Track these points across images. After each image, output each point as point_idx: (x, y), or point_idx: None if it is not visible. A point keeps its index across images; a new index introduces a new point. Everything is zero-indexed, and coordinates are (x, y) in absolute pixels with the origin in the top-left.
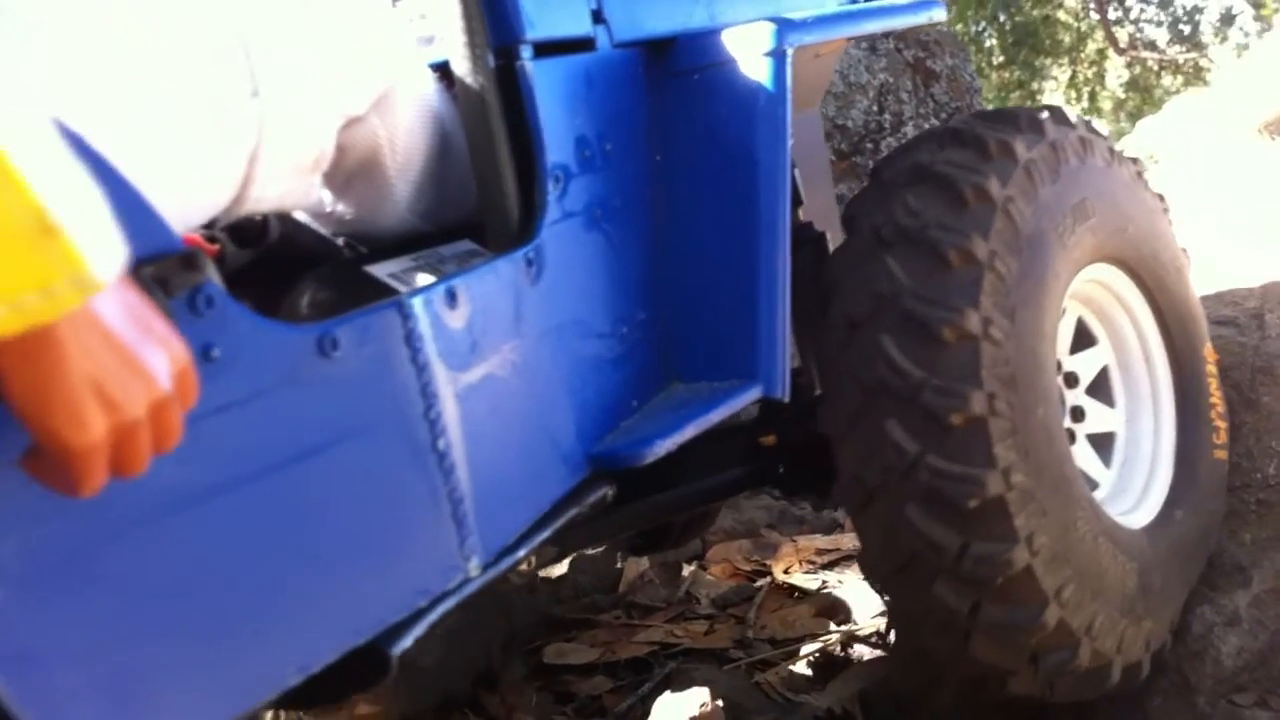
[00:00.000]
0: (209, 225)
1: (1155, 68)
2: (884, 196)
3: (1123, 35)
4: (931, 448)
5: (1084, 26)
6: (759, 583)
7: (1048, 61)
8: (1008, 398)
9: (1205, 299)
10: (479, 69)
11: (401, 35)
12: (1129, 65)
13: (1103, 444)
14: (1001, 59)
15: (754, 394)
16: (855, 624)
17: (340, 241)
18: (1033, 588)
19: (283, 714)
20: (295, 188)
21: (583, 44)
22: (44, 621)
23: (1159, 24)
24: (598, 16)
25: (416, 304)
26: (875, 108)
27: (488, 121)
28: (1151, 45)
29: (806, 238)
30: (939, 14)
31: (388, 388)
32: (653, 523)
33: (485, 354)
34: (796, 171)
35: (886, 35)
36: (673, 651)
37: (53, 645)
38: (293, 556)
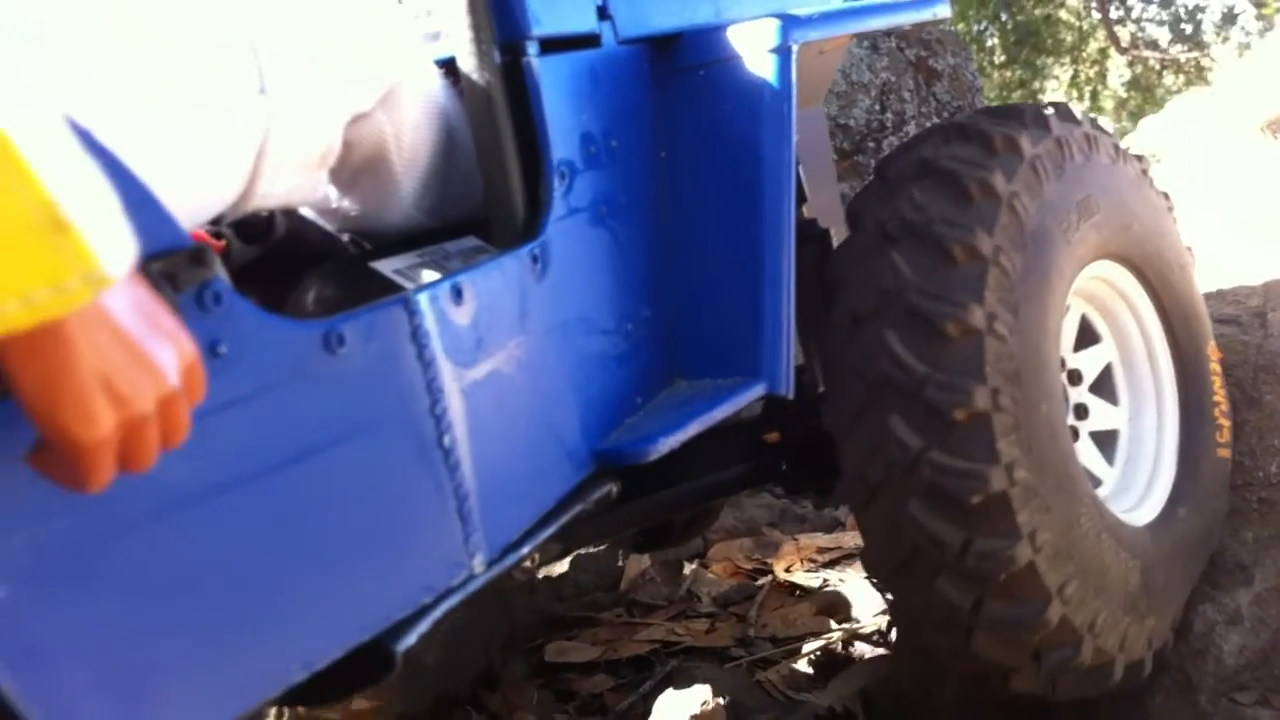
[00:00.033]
0: (215, 221)
1: (1157, 67)
2: (889, 192)
3: (1124, 34)
4: (935, 443)
5: (1086, 26)
6: (760, 581)
7: (1049, 61)
8: (1011, 393)
9: (1208, 297)
10: (485, 65)
11: (407, 32)
12: (1131, 64)
13: (1106, 441)
14: (1003, 58)
15: (758, 391)
16: (856, 622)
17: (345, 238)
18: (1035, 584)
19: (286, 711)
20: (302, 184)
21: (588, 40)
22: (51, 617)
23: (1161, 23)
24: (603, 13)
25: (422, 300)
26: (877, 106)
27: (493, 118)
28: (1153, 44)
29: (810, 235)
30: (944, 10)
31: (393, 384)
32: (656, 520)
33: (490, 350)
34: (800, 168)
35: (889, 34)
36: (674, 650)
37: (59, 641)
38: (298, 553)
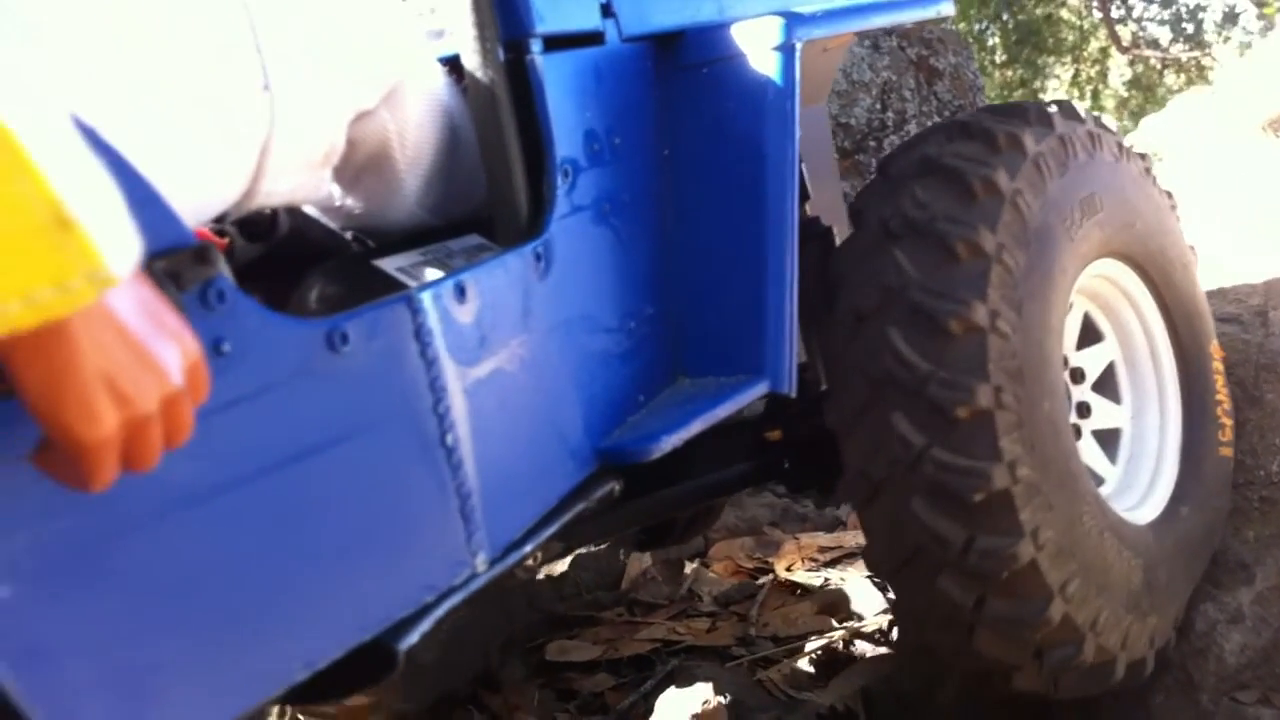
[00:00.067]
0: (219, 219)
1: (1158, 66)
2: (892, 190)
3: (1125, 34)
4: (937, 441)
5: (1087, 25)
6: (761, 580)
7: (1050, 60)
8: (1014, 391)
9: (1209, 296)
10: (489, 63)
11: (411, 29)
12: (1132, 64)
13: (1108, 440)
14: (1004, 57)
15: (760, 389)
16: (858, 621)
17: (349, 235)
18: (1038, 582)
19: (289, 710)
20: (305, 182)
21: (592, 38)
22: (53, 617)
23: (1162, 23)
24: (607, 10)
25: (425, 298)
26: (878, 105)
27: (497, 115)
28: (1154, 44)
29: (813, 232)
30: (947, 8)
31: (396, 382)
32: (659, 518)
33: (493, 348)
34: (803, 166)
35: (890, 33)
36: (675, 649)
37: (62, 640)
38: (300, 551)
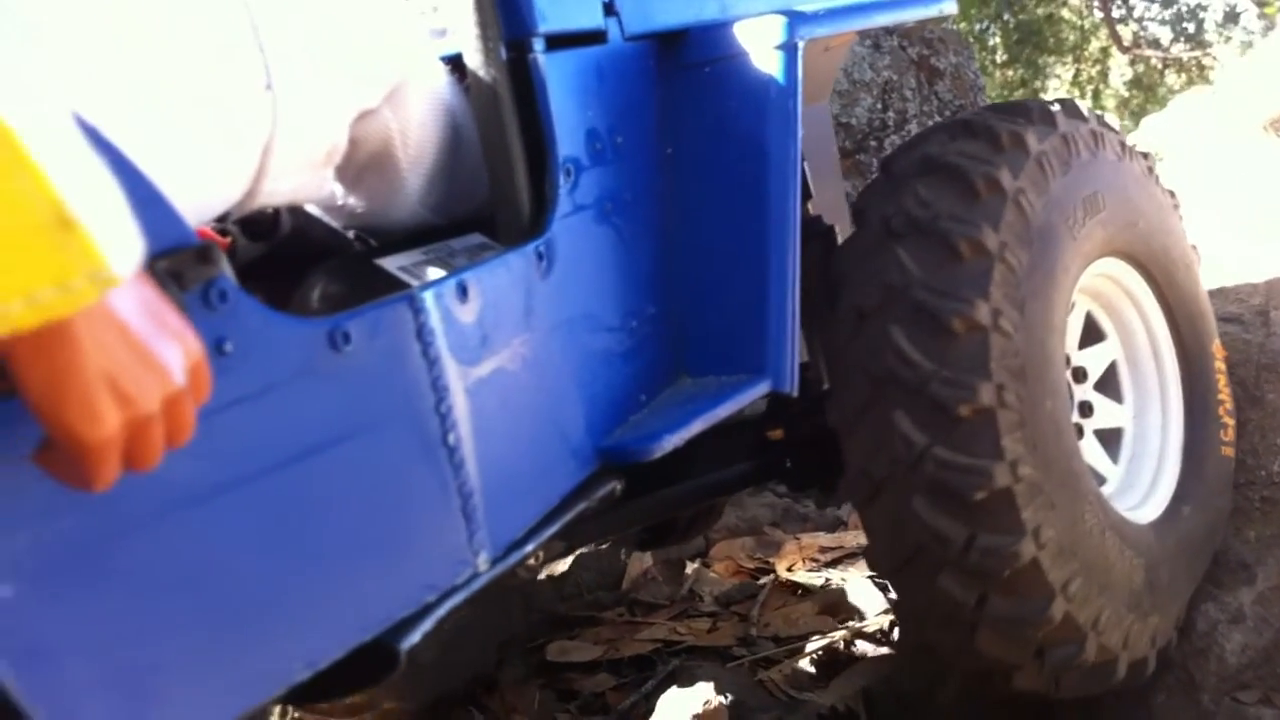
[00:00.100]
0: (221, 218)
1: (1159, 66)
2: (894, 188)
3: (1126, 33)
4: (939, 439)
5: (1087, 25)
6: (762, 580)
7: (1051, 60)
8: (1016, 390)
9: (1210, 296)
10: (491, 62)
11: (414, 28)
12: (1133, 63)
13: (1110, 439)
14: (1005, 57)
15: (762, 388)
16: (859, 622)
17: (351, 234)
18: (1039, 581)
19: (290, 709)
20: (308, 181)
21: (594, 37)
22: (55, 616)
23: (1163, 22)
24: (609, 9)
25: (428, 298)
26: (879, 105)
27: (499, 114)
28: (1155, 43)
29: (815, 231)
30: (950, 6)
31: (398, 381)
32: (660, 517)
33: (495, 348)
34: (805, 165)
35: (891, 32)
36: (676, 649)
37: (64, 640)
38: (301, 551)
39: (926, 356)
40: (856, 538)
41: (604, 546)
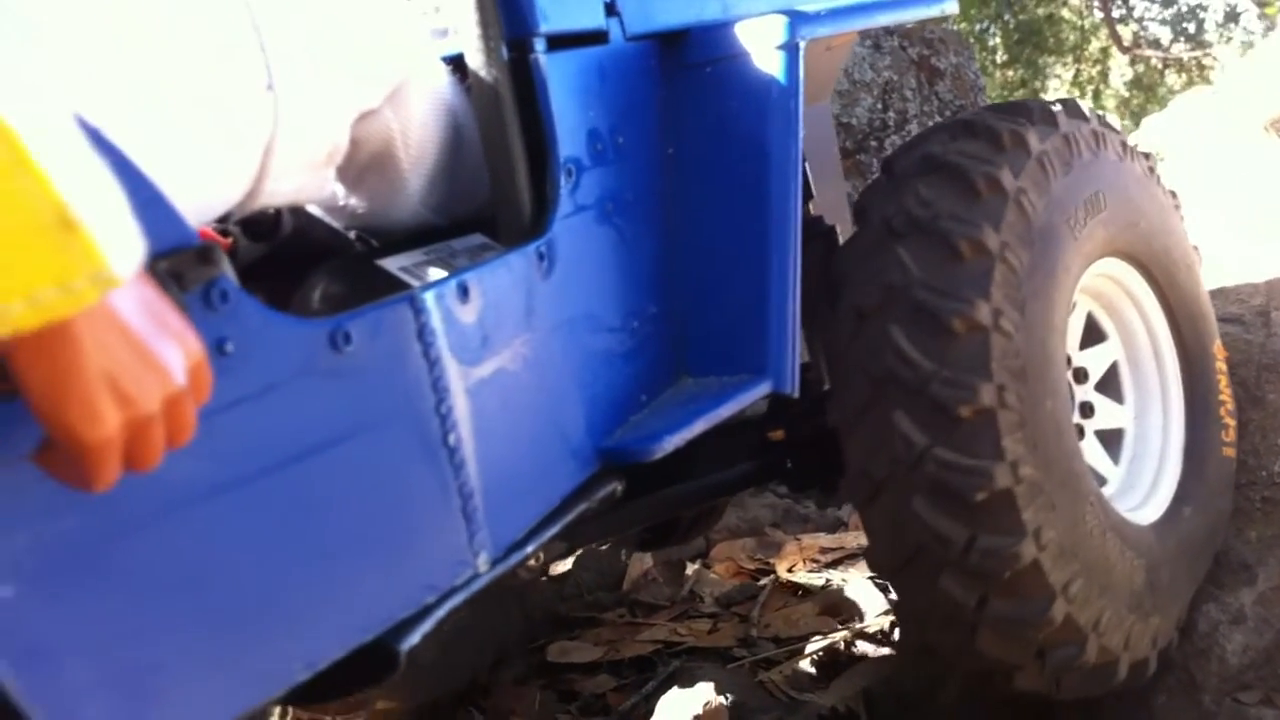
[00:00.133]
0: (222, 219)
1: (1159, 66)
2: (895, 188)
3: (1126, 33)
4: (940, 440)
5: (1088, 25)
6: (763, 581)
7: (1051, 60)
8: (1017, 390)
9: (1211, 296)
10: (492, 62)
11: (415, 28)
12: (1133, 64)
13: (1111, 440)
14: (1005, 57)
15: (763, 389)
16: (859, 622)
17: (352, 235)
18: (1040, 582)
19: (290, 710)
20: (309, 182)
21: (596, 37)
22: (55, 617)
23: (1163, 22)
24: (611, 9)
25: (428, 298)
26: (880, 105)
27: (501, 114)
28: (1155, 43)
29: (817, 231)
30: (951, 6)
31: (399, 382)
32: (661, 518)
33: (496, 348)
34: (807, 165)
35: (891, 32)
36: (676, 650)
37: (63, 640)
38: (302, 551)
39: (927, 357)
40: (857, 538)
41: (605, 547)
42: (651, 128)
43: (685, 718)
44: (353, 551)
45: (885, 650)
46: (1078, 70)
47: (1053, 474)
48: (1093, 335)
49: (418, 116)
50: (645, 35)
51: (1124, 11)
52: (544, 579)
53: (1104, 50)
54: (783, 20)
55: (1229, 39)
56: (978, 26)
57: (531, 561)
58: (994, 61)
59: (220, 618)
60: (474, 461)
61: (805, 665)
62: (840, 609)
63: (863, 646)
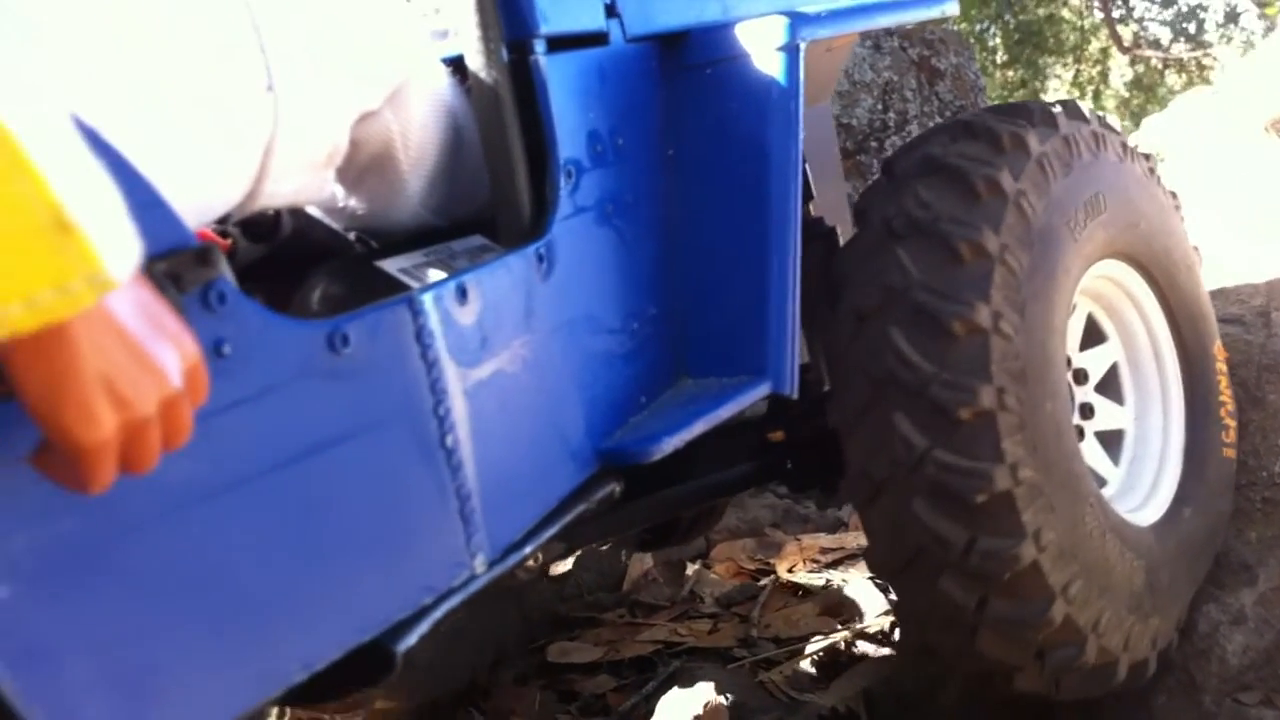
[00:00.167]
0: (222, 220)
1: (1159, 66)
2: (895, 189)
3: (1126, 34)
4: (939, 442)
5: (1088, 25)
6: (763, 581)
7: (1051, 60)
8: (1017, 392)
9: (1211, 297)
10: (492, 63)
11: (415, 30)
12: (1133, 64)
13: (1111, 441)
14: (1005, 58)
15: (762, 390)
16: (860, 623)
17: (352, 236)
18: (1039, 583)
19: (288, 711)
20: (309, 183)
21: (596, 38)
22: (52, 618)
23: (1163, 22)
24: (611, 11)
25: (427, 300)
26: (880, 106)
27: (500, 116)
28: (1155, 44)
29: (817, 232)
30: (952, 8)
31: (397, 384)
32: (661, 519)
33: (495, 350)
34: (807, 166)
35: (891, 33)
36: (676, 650)
37: (61, 641)
38: (299, 553)
39: (927, 359)
40: (857, 539)
41: (605, 548)
42: (651, 129)
43: (685, 718)
44: (350, 553)
45: (885, 651)
46: (1078, 71)
47: (1052, 475)
48: (1093, 336)
49: (418, 118)
50: (645, 37)
51: (1124, 12)
52: (544, 579)
53: (1104, 50)
54: (783, 22)
55: (1229, 39)
56: (978, 27)
57: (530, 562)
58: (994, 62)
59: (218, 619)
60: (471, 463)
61: (805, 665)
62: (840, 609)
63: (863, 647)
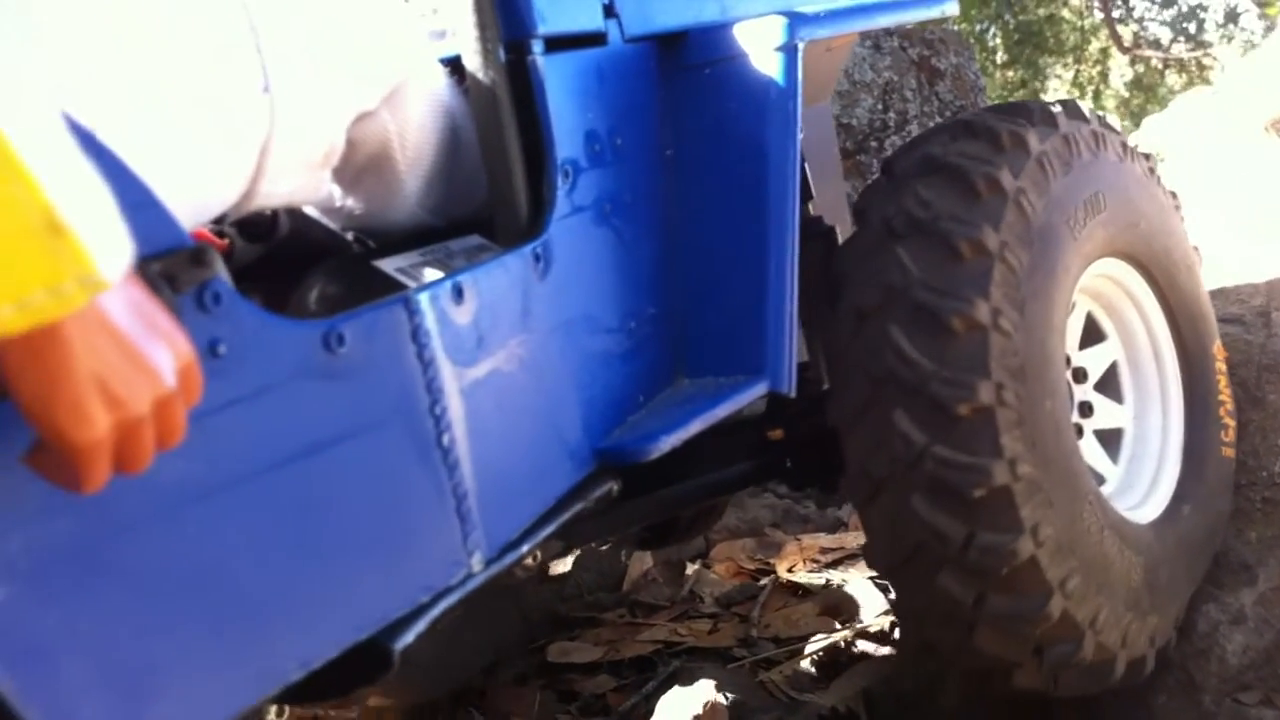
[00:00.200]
0: (218, 220)
1: (1159, 66)
2: (895, 188)
3: (1126, 34)
4: (939, 438)
5: (1087, 25)
6: (763, 581)
7: (1051, 60)
8: (1016, 389)
9: (1211, 297)
10: (490, 64)
11: (413, 30)
12: (1133, 64)
13: (1110, 440)
14: (1005, 58)
15: (760, 389)
16: (859, 623)
17: (350, 236)
18: (1037, 578)
19: (286, 709)
20: (305, 183)
21: (594, 39)
22: (49, 618)
23: (1163, 23)
24: (609, 11)
25: (423, 299)
26: (880, 106)
27: (498, 116)
28: (1155, 44)
29: (816, 232)
30: (951, 7)
31: (393, 383)
32: (660, 517)
33: (492, 349)
34: (806, 165)
35: (891, 33)
36: (676, 650)
37: (58, 641)
38: (296, 552)
39: (926, 356)
40: (857, 539)
41: (604, 548)
42: (650, 129)
43: (685, 718)
44: (347, 551)
45: (885, 650)
46: (1078, 71)
47: (1051, 472)
48: (1092, 335)
49: (415, 118)
50: (644, 37)
51: (1124, 12)
52: (544, 579)
53: (1104, 51)
54: (781, 22)
55: (1229, 39)
56: (978, 27)
57: (529, 561)
58: (994, 62)
59: (215, 618)
60: (468, 462)
61: (805, 665)
62: (840, 609)
63: (863, 646)
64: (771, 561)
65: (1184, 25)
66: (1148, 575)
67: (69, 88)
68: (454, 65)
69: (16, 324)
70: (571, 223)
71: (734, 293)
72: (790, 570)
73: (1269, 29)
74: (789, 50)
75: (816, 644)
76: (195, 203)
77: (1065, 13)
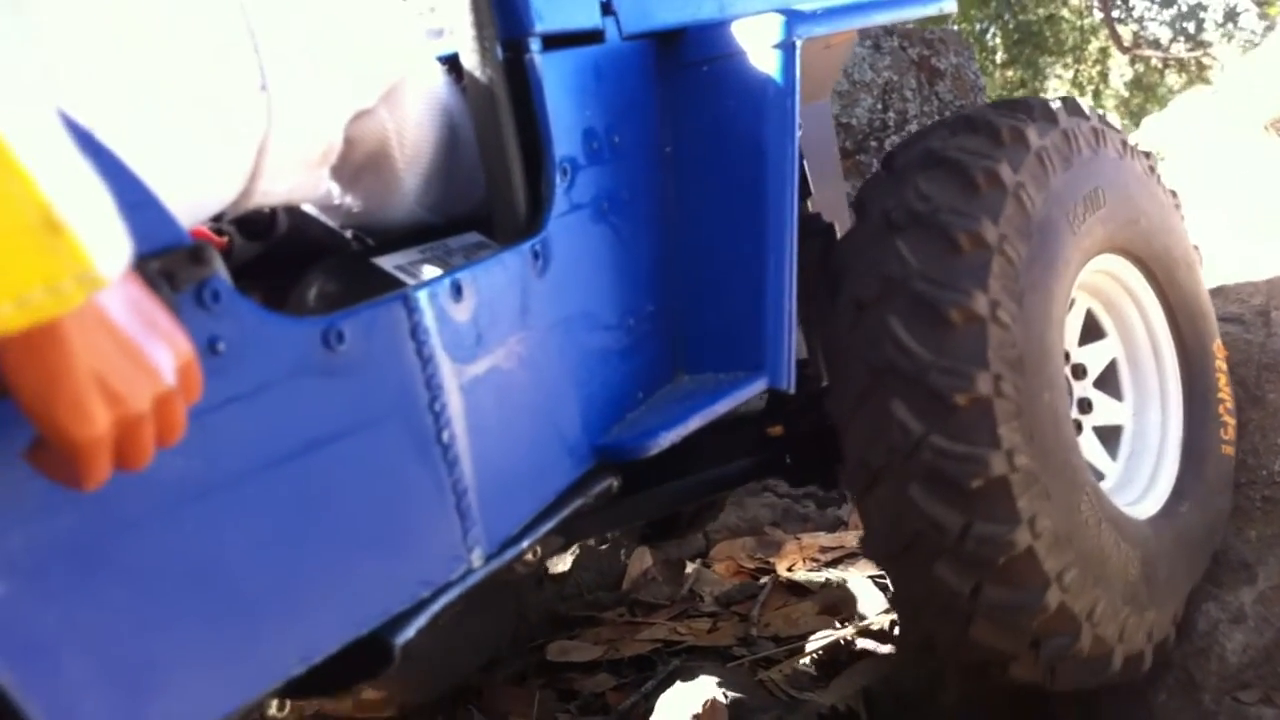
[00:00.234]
0: (217, 218)
1: (1159, 66)
2: (895, 182)
3: (1126, 34)
4: (936, 428)
5: (1087, 25)
6: (763, 580)
7: (1051, 60)
8: (1014, 380)
9: (1211, 295)
10: (488, 62)
11: (410, 28)
12: (1133, 64)
13: (1109, 437)
14: (1005, 58)
15: (759, 386)
16: (859, 621)
17: (349, 234)
18: (1034, 570)
19: (288, 704)
20: (304, 181)
21: (592, 36)
22: (50, 614)
23: (1163, 22)
24: (607, 8)
25: (422, 297)
26: (880, 105)
27: (496, 114)
28: (1155, 43)
29: (815, 229)
30: (950, 5)
31: (392, 380)
32: (660, 513)
33: (491, 346)
34: (806, 163)
35: (891, 32)
36: (676, 649)
37: (59, 636)
38: (296, 548)
39: (925, 346)
40: (857, 537)
41: (604, 546)
42: (648, 126)
43: (685, 717)
44: (347, 547)
45: (885, 649)
46: (1077, 70)
47: (1049, 463)
48: (1092, 332)
49: (413, 116)
50: (641, 34)
51: (1124, 11)
52: (543, 578)
53: (1104, 50)
54: (779, 19)
55: (1229, 38)
56: (978, 26)
57: (528, 557)
58: (994, 61)
59: (216, 613)
60: (468, 458)
61: (805, 664)
62: (840, 608)
63: (862, 645)
64: (771, 560)
65: (1184, 25)
66: (1145, 570)
67: (67, 87)
68: (452, 63)
69: (16, 322)
70: (570, 220)
71: (733, 289)
72: (790, 569)
73: (1269, 28)
74: (787, 47)
75: (816, 643)
76: (194, 201)
77: (1065, 12)
